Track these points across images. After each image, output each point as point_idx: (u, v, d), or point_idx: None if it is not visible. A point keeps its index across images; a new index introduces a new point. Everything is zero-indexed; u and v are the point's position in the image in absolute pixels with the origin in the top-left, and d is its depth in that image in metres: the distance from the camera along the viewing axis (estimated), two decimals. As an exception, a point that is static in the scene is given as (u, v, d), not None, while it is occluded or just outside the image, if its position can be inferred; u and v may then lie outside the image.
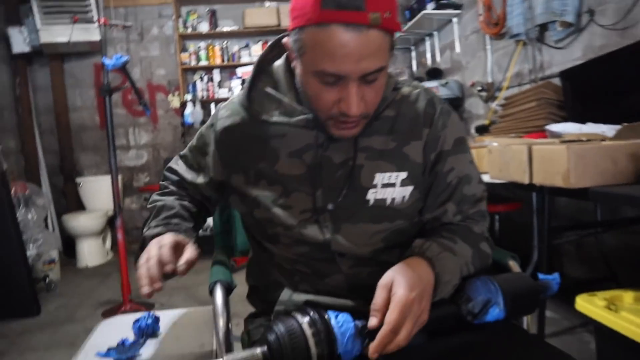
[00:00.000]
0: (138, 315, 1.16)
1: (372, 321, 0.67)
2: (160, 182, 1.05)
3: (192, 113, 4.30)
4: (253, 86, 0.88)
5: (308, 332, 0.66)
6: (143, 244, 0.87)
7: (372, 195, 0.83)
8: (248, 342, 0.96)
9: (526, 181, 1.64)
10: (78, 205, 4.32)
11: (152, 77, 4.46)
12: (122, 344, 0.97)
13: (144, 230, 0.91)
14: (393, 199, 0.84)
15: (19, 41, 3.91)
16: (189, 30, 4.34)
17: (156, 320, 1.11)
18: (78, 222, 3.90)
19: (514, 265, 1.00)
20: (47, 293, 3.22)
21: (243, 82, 4.39)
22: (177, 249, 0.81)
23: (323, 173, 0.84)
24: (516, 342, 0.78)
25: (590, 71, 2.25)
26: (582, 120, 2.05)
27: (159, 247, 0.79)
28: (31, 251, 3.05)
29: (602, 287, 1.46)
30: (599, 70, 2.20)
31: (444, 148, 0.87)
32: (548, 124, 2.17)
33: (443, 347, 0.79)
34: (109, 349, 0.95)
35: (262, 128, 0.87)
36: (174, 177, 1.02)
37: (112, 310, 2.80)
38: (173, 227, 0.89)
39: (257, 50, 4.38)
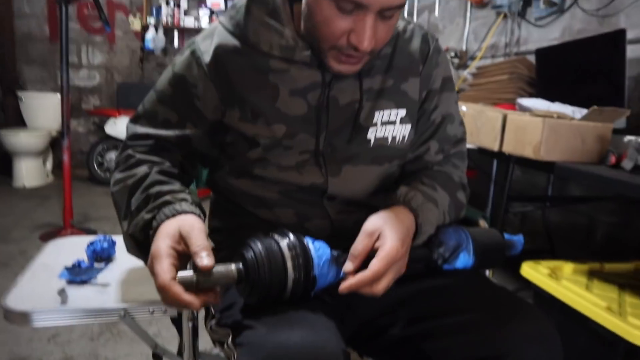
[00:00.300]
0: (91, 237, 1.09)
1: (348, 266, 0.66)
2: (121, 156, 0.82)
3: (154, 39, 4.03)
4: (248, 12, 0.78)
5: (287, 254, 0.64)
6: (136, 241, 0.72)
7: (372, 135, 0.81)
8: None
9: (496, 148, 1.67)
10: (18, 121, 4.01)
11: (112, -8, 4.11)
12: (78, 265, 0.91)
13: (127, 220, 0.73)
14: (394, 138, 0.82)
15: None
16: (159, -53, 4.01)
17: (112, 244, 1.04)
18: (18, 139, 3.64)
19: (484, 224, 1.03)
20: (-21, 209, 3.03)
21: (212, 13, 4.15)
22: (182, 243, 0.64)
23: (329, 115, 0.79)
24: (484, 290, 0.79)
25: (566, 53, 2.28)
26: (551, 99, 2.09)
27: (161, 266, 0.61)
28: (-37, 163, 2.83)
29: (541, 258, 1.55)
30: (574, 53, 2.23)
31: (433, 87, 0.86)
32: (516, 98, 2.21)
33: (411, 290, 0.80)
34: (65, 269, 0.88)
35: (259, 60, 0.78)
36: (147, 142, 0.81)
37: (51, 234, 2.67)
38: (164, 207, 0.69)
39: (230, -20, 4.13)
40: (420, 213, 0.74)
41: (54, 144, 4.06)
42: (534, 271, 1.48)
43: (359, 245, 0.67)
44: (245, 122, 0.79)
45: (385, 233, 0.67)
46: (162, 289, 0.59)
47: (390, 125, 0.81)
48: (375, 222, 0.70)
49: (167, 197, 0.70)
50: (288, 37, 0.76)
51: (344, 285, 0.64)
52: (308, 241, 0.67)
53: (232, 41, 0.79)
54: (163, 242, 0.62)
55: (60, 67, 2.53)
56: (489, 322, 0.70)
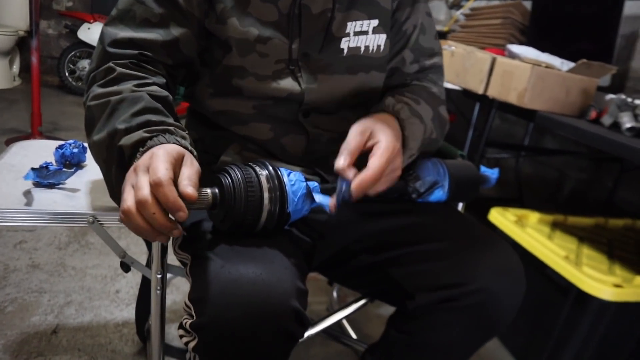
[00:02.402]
0: (60, 142, 1.05)
1: (340, 161, 0.64)
2: (100, 68, 0.72)
3: (134, -61, 3.72)
4: None
5: (265, 185, 0.63)
6: (119, 155, 0.61)
7: (345, 44, 0.81)
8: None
9: (481, 91, 1.66)
10: (-18, 16, 3.74)
11: None
12: (46, 167, 0.87)
13: (109, 132, 0.63)
14: (367, 47, 0.82)
15: None
16: None
17: (83, 149, 1.00)
18: (-19, 34, 3.40)
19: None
20: (-60, 107, 2.88)
21: None
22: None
23: (302, 24, 0.78)
24: (455, 221, 0.81)
25: (564, 3, 2.23)
26: (540, 49, 2.07)
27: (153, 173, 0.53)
28: None
29: (510, 206, 1.60)
30: (571, 4, 2.18)
31: None
32: (506, 44, 2.17)
33: (383, 224, 0.81)
34: (32, 170, 0.85)
35: None
36: (129, 52, 0.72)
37: (18, 139, 2.58)
38: (166, 133, 0.62)
39: None
40: (407, 126, 0.75)
41: (22, 45, 3.82)
42: (501, 217, 1.52)
43: (352, 142, 0.66)
44: (218, 24, 0.76)
45: (377, 132, 0.68)
46: (157, 184, 0.52)
47: (363, 35, 0.81)
48: (365, 122, 0.70)
49: (170, 128, 0.63)
50: None
51: (354, 188, 0.63)
52: (284, 174, 0.65)
53: None
54: (164, 152, 0.56)
55: (29, -42, 2.33)
56: (457, 251, 0.72)
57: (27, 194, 0.84)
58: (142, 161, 0.56)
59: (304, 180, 0.66)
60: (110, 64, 0.71)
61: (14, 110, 3.18)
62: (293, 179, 0.66)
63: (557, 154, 2.22)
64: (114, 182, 0.64)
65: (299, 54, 0.79)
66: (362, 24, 0.81)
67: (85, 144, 1.02)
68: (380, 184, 0.67)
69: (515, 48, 2.05)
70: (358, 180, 0.64)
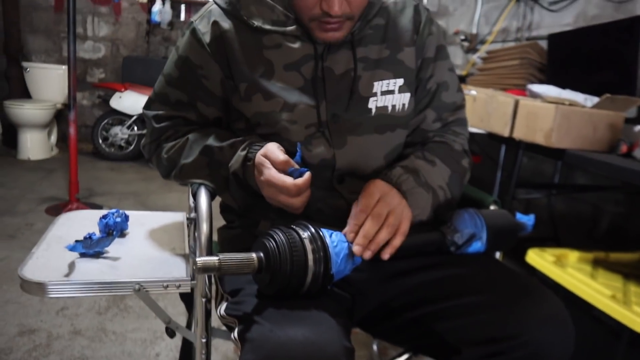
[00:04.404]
0: (103, 211, 1.09)
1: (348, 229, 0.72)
2: (149, 143, 0.93)
3: (161, 11, 3.98)
4: None
5: (308, 246, 0.64)
6: (235, 176, 0.80)
7: (373, 104, 0.84)
8: (220, 252, 0.93)
9: (506, 134, 1.66)
10: (22, 92, 3.99)
11: (119, -37, 4.04)
12: (89, 237, 0.91)
13: (212, 165, 0.83)
14: (394, 106, 0.85)
15: None
16: None
17: (126, 218, 1.05)
18: (23, 110, 3.62)
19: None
20: (-16, 181, 3.03)
21: (219, -13, 4.08)
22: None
23: (326, 85, 0.82)
24: (496, 272, 0.79)
25: (579, 39, 2.25)
26: (561, 86, 2.08)
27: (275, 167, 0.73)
28: (-32, 133, 2.82)
29: (546, 245, 1.56)
30: (587, 39, 2.20)
31: (426, 55, 0.88)
32: (526, 84, 2.19)
33: (423, 278, 0.80)
34: (76, 241, 0.89)
35: (254, 36, 0.82)
36: (175, 120, 0.89)
37: (57, 207, 2.69)
38: (252, 145, 0.80)
39: (239, -45, 4.05)
40: (409, 197, 0.77)
41: (59, 117, 4.05)
42: (539, 258, 1.49)
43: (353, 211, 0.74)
44: (244, 102, 0.82)
45: (365, 191, 0.74)
46: (269, 182, 0.71)
47: (390, 95, 0.84)
48: (360, 197, 0.75)
49: (251, 139, 0.81)
50: (279, 12, 0.80)
51: (356, 249, 0.69)
52: (325, 235, 0.67)
53: (227, 20, 0.82)
54: (261, 159, 0.74)
55: (67, 38, 2.50)
56: (501, 303, 0.71)
57: (74, 264, 0.87)
58: (258, 163, 0.74)
59: (345, 240, 0.67)
60: (164, 128, 0.89)
61: (52, 178, 3.32)
62: (335, 239, 0.67)
63: (590, 190, 2.17)
64: (221, 184, 0.83)
65: (327, 115, 0.82)
66: (389, 83, 0.84)
67: (127, 213, 1.06)
68: (384, 232, 0.70)
69: (536, 87, 2.07)
70: (346, 229, 0.70)
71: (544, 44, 2.50)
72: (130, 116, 3.85)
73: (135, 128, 3.92)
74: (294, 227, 0.67)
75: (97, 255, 0.91)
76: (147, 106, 0.92)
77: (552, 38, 2.39)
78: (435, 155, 0.85)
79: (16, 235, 2.31)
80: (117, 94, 3.84)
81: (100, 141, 3.96)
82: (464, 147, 0.92)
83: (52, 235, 1.01)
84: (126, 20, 4.19)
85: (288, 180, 0.70)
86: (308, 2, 0.74)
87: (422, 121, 0.90)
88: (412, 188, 0.78)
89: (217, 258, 0.62)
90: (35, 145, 3.78)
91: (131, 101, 3.78)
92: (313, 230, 0.66)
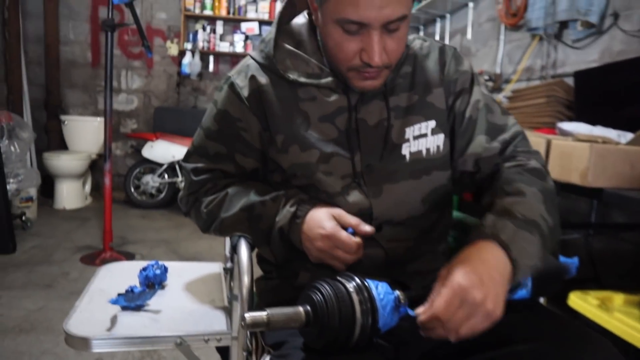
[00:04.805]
0: (143, 262, 1.11)
1: (419, 310, 0.63)
2: (187, 195, 0.93)
3: (190, 63, 4.16)
4: (276, 45, 0.84)
5: (355, 298, 0.64)
6: (280, 232, 0.81)
7: (407, 150, 0.84)
8: (258, 303, 0.93)
9: (540, 175, 1.64)
10: (60, 144, 4.17)
11: (152, 20, 4.27)
12: (131, 291, 0.93)
13: (254, 219, 0.83)
14: (428, 150, 0.84)
15: (14, -39, 3.66)
16: (197, -24, 4.16)
17: (165, 270, 1.06)
18: (60, 161, 3.77)
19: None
20: (23, 231, 3.13)
21: (246, 37, 4.26)
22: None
23: (360, 136, 0.83)
24: (545, 319, 0.76)
25: (607, 75, 2.24)
26: (591, 123, 2.05)
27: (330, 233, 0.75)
28: (11, 186, 2.94)
29: (586, 287, 1.50)
30: (615, 75, 2.19)
31: (460, 87, 0.87)
32: (555, 122, 2.17)
33: None
34: (119, 294, 0.90)
35: (290, 90, 0.84)
36: (213, 174, 0.90)
37: (92, 256, 2.74)
38: (302, 203, 0.81)
39: (264, 7, 4.23)
40: (513, 245, 0.66)
41: (93, 167, 4.19)
42: (582, 302, 1.43)
43: (436, 304, 0.62)
44: (281, 153, 0.84)
45: (451, 270, 0.63)
46: (331, 236, 0.74)
47: (423, 138, 0.84)
48: (451, 265, 0.65)
49: (300, 196, 0.82)
50: (313, 66, 0.82)
51: (419, 322, 0.63)
52: (372, 287, 0.66)
53: (264, 74, 0.85)
54: (323, 214, 0.77)
55: (104, 92, 2.63)
56: (552, 351, 0.68)
57: (116, 318, 0.88)
58: (314, 221, 0.77)
59: (391, 292, 0.67)
60: (203, 183, 0.90)
61: (86, 227, 3.41)
62: (381, 292, 0.66)
63: (631, 229, 2.10)
64: (261, 238, 0.84)
65: (362, 166, 0.82)
66: (421, 127, 0.84)
67: (166, 264, 1.07)
68: (451, 324, 0.61)
69: (566, 125, 2.05)
70: (420, 319, 0.62)
71: (569, 81, 2.50)
72: (161, 165, 3.96)
73: (166, 176, 4.02)
74: (339, 278, 0.67)
75: (139, 308, 0.93)
76: (185, 159, 0.94)
77: (579, 75, 2.39)
78: (518, 182, 0.76)
79: (52, 285, 2.35)
80: (148, 144, 3.97)
81: (132, 189, 4.07)
82: (542, 164, 0.83)
83: (94, 287, 1.03)
84: (158, 72, 4.39)
85: (352, 237, 0.74)
86: (348, 53, 0.74)
87: (478, 150, 0.84)
88: (513, 235, 0.67)
89: (265, 313, 0.62)
90: (70, 194, 3.91)
91: (162, 150, 3.90)
92: (359, 281, 0.66)
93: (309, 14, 0.86)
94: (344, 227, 0.77)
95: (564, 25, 2.65)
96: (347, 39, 0.73)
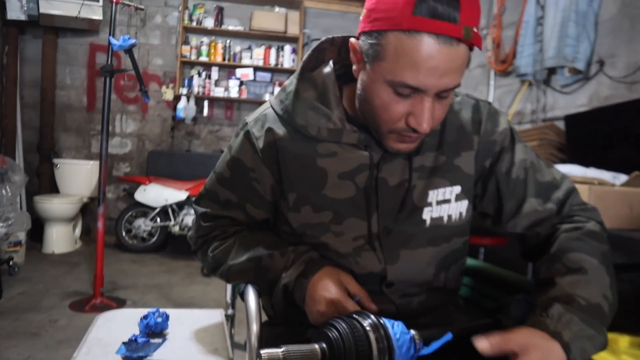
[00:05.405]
0: (142, 310, 1.08)
1: (480, 342, 0.62)
2: (195, 237, 0.92)
3: (185, 108, 4.20)
4: (297, 96, 0.80)
5: (372, 336, 0.62)
6: (284, 289, 0.79)
7: (428, 215, 0.80)
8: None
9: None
10: (51, 188, 4.12)
11: (148, 65, 4.34)
12: (135, 340, 0.89)
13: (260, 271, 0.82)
14: (450, 216, 0.80)
15: (16, 7, 3.72)
16: (194, 24, 4.27)
17: (166, 318, 1.03)
18: (52, 205, 3.72)
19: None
20: (10, 277, 3.04)
21: (241, 83, 4.33)
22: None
23: (379, 196, 0.79)
24: None
25: (596, 118, 2.31)
26: (583, 165, 2.09)
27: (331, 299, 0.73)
28: (0, 230, 2.87)
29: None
30: (604, 119, 2.25)
31: (497, 148, 0.83)
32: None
33: None
34: (123, 344, 0.87)
35: (308, 145, 0.80)
36: (222, 221, 0.89)
37: (81, 302, 2.65)
38: (313, 262, 0.78)
39: (259, 53, 4.34)
40: (574, 345, 0.63)
41: (84, 210, 4.13)
42: (589, 346, 1.40)
43: (495, 341, 0.62)
44: (292, 212, 0.81)
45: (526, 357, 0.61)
46: (336, 302, 0.72)
47: (446, 204, 0.80)
48: (526, 341, 0.62)
49: (310, 254, 0.79)
50: (336, 120, 0.78)
51: None
52: (388, 325, 0.65)
53: (282, 127, 0.81)
54: (331, 278, 0.75)
55: (100, 136, 2.64)
56: None
57: (119, 370, 0.84)
58: (320, 282, 0.75)
59: (407, 332, 0.65)
60: (210, 229, 0.89)
61: (75, 272, 3.32)
62: (397, 330, 0.64)
63: (632, 270, 2.10)
64: (265, 288, 0.82)
65: (379, 228, 0.79)
66: (445, 192, 0.80)
67: (167, 312, 1.04)
68: None
69: (560, 168, 2.08)
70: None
71: (560, 124, 2.56)
72: (154, 208, 3.91)
73: (158, 220, 3.97)
74: (355, 315, 0.65)
75: (141, 358, 0.89)
76: (197, 201, 0.92)
77: (569, 119, 2.45)
78: (579, 252, 0.72)
79: (40, 333, 2.26)
80: (141, 187, 3.94)
81: (124, 233, 4.00)
82: (601, 223, 0.80)
83: (92, 337, 0.99)
84: (152, 117, 4.42)
85: (358, 307, 0.72)
86: (394, 115, 0.70)
87: (531, 213, 0.80)
88: (577, 333, 0.64)
89: (281, 350, 0.60)
90: (60, 238, 3.83)
91: (155, 193, 3.87)
92: (375, 319, 0.64)
93: (335, 63, 0.82)
94: (350, 294, 0.75)
95: (552, 71, 2.75)
96: (397, 100, 0.69)
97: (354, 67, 0.75)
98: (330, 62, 0.82)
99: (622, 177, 1.87)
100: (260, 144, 0.81)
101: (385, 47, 0.66)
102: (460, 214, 0.81)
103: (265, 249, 0.81)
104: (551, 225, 0.80)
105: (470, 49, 0.67)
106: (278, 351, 0.60)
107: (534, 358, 0.61)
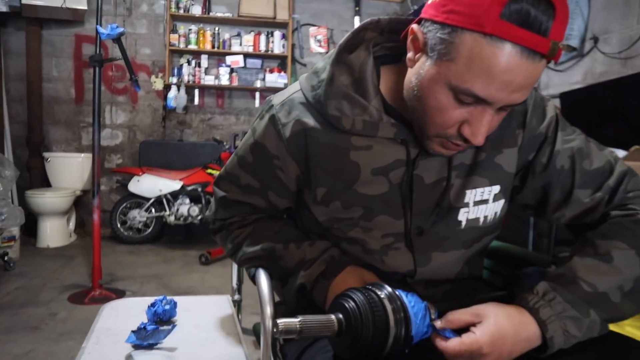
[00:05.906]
0: (148, 299, 1.06)
1: (437, 323, 0.64)
2: (213, 220, 0.88)
3: (176, 97, 4.14)
4: (331, 82, 0.72)
5: (389, 307, 0.61)
6: (301, 287, 0.76)
7: (464, 216, 0.75)
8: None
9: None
10: (42, 182, 4.07)
11: (136, 55, 4.27)
12: (144, 328, 0.88)
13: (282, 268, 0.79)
14: (486, 217, 0.76)
15: (-3, -1, 3.64)
16: (181, 12, 4.20)
17: (174, 305, 1.02)
18: (44, 199, 3.67)
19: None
20: (5, 272, 3.01)
21: (232, 70, 4.28)
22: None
23: (413, 195, 0.74)
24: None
25: (592, 95, 2.31)
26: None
27: None
28: (-7, 225, 2.84)
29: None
30: (600, 95, 2.26)
31: (541, 140, 0.76)
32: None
33: None
34: (132, 332, 0.85)
35: (340, 137, 0.73)
36: (242, 208, 0.84)
37: (80, 295, 2.64)
38: (334, 262, 0.75)
39: (248, 40, 4.28)
40: (550, 325, 0.62)
41: (77, 203, 4.09)
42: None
43: (458, 313, 0.63)
44: (319, 206, 0.77)
45: (482, 325, 0.61)
46: None
47: (483, 205, 0.75)
48: (487, 310, 0.63)
49: (331, 251, 0.76)
50: (372, 112, 0.71)
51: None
52: (402, 295, 0.64)
53: (312, 117, 0.74)
54: (355, 280, 0.72)
55: (92, 128, 2.59)
56: None
57: (132, 358, 0.83)
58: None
59: (421, 301, 0.65)
60: (234, 218, 0.86)
61: (72, 265, 3.29)
62: (412, 300, 0.64)
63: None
64: (275, 275, 0.81)
65: (411, 228, 0.75)
66: (483, 192, 0.75)
67: (175, 299, 1.03)
68: None
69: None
70: (439, 345, 0.62)
71: (555, 102, 2.56)
72: (148, 199, 3.88)
73: (153, 210, 3.94)
74: (370, 287, 0.65)
75: (151, 346, 0.88)
76: (216, 182, 0.87)
77: (564, 96, 2.45)
78: (616, 239, 0.68)
79: (40, 327, 2.24)
80: (135, 178, 3.90)
81: (119, 225, 3.97)
82: None
83: (100, 327, 0.98)
84: (142, 107, 4.36)
85: None
86: (448, 121, 0.64)
87: (578, 205, 0.75)
88: (560, 312, 0.62)
89: (297, 320, 0.59)
90: (54, 232, 3.79)
91: (149, 184, 3.83)
92: (391, 290, 0.64)
93: (375, 45, 0.74)
94: None
95: (545, 49, 2.74)
96: (455, 106, 0.62)
97: (409, 54, 0.66)
98: (370, 45, 0.74)
99: (621, 153, 1.87)
100: (286, 132, 0.75)
101: (459, 47, 0.58)
102: (496, 213, 0.77)
103: (281, 241, 0.79)
104: (601, 214, 0.76)
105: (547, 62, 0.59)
106: (295, 321, 0.60)
107: (487, 325, 0.61)
